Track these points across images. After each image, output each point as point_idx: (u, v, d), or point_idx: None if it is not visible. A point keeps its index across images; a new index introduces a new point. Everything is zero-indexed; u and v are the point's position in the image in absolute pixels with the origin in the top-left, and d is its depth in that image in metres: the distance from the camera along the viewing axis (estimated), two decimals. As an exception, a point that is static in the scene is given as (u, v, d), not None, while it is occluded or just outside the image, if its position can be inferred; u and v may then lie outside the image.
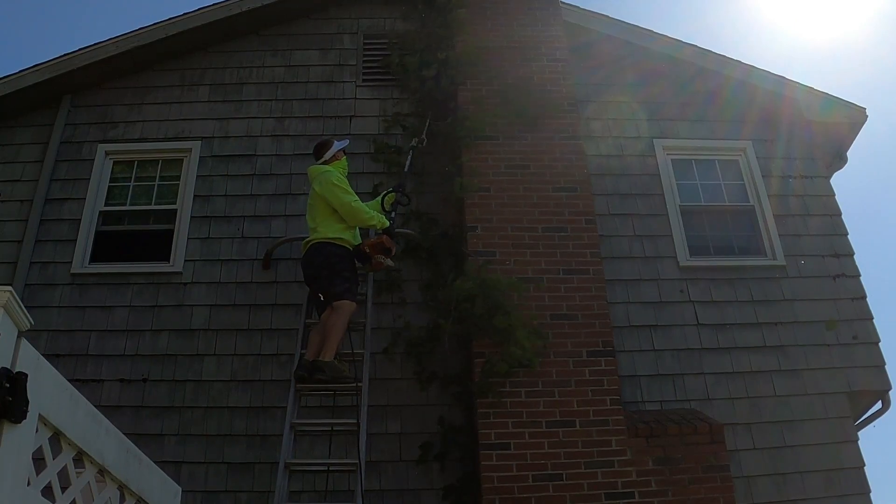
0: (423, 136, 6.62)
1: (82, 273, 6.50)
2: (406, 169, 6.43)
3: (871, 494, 5.88)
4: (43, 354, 2.38)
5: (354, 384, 5.25)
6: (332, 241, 5.50)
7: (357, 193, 6.71)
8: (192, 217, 6.73)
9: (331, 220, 5.57)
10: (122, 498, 2.95)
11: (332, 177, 5.64)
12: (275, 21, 7.68)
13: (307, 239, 5.67)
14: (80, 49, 7.25)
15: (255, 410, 5.90)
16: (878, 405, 6.47)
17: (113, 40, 7.28)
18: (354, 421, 5.07)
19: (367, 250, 5.59)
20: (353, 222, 5.64)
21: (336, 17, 7.79)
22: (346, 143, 6.10)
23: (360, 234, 5.86)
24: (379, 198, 6.11)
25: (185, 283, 6.45)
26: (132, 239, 6.91)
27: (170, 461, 5.44)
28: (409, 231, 6.50)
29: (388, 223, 5.67)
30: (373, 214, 5.64)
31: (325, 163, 5.85)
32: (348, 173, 5.99)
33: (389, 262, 5.66)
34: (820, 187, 7.28)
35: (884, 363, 6.42)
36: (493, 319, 5.48)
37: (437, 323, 5.92)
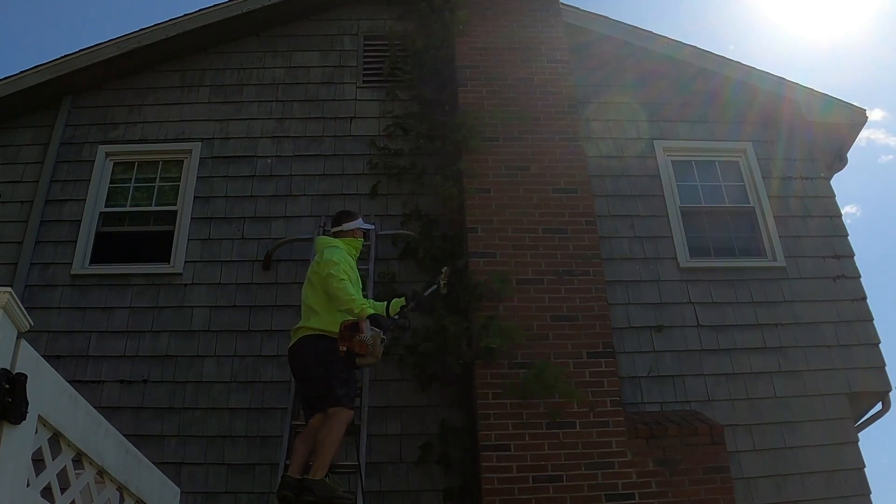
0: (444, 279, 5.51)
1: (82, 274, 6.50)
2: (424, 293, 5.34)
3: (872, 495, 5.89)
4: (43, 355, 2.39)
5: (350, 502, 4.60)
6: (327, 334, 4.74)
7: (356, 195, 6.78)
8: (192, 218, 6.73)
9: (331, 308, 4.82)
10: (122, 499, 2.96)
11: (335, 256, 4.93)
12: (275, 22, 7.69)
13: (298, 325, 4.97)
14: (80, 50, 7.26)
15: (256, 412, 5.90)
16: (879, 406, 6.48)
17: (113, 41, 7.29)
18: (355, 423, 5.05)
19: (344, 348, 4.61)
20: (336, 303, 4.80)
21: (336, 18, 7.80)
22: (371, 226, 5.49)
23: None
24: (384, 303, 5.22)
25: (186, 285, 6.45)
26: (132, 240, 6.92)
27: (170, 462, 5.44)
28: (408, 232, 6.50)
29: (368, 311, 4.68)
30: (353, 297, 4.72)
31: (339, 233, 5.24)
32: (359, 256, 5.37)
33: (363, 338, 4.52)
34: (820, 188, 7.28)
35: (884, 364, 6.42)
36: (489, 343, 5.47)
37: (437, 325, 5.91)
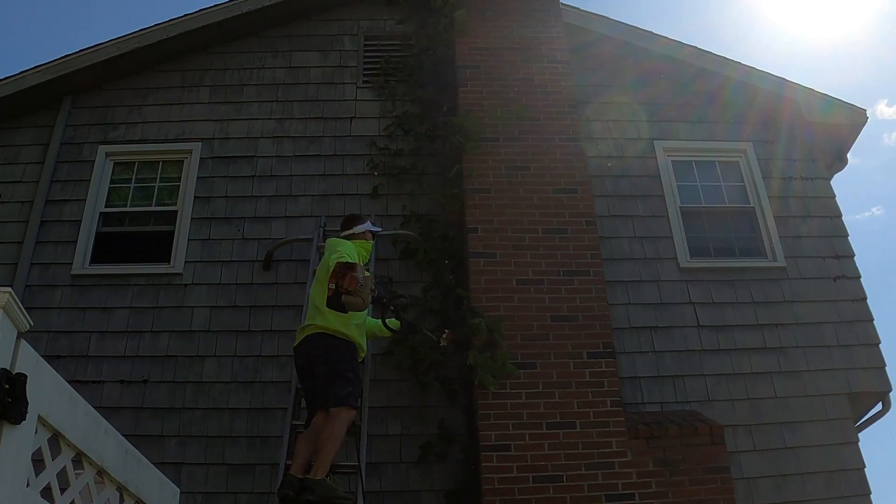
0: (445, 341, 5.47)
1: (83, 274, 6.50)
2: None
3: (872, 496, 5.88)
4: (43, 356, 2.39)
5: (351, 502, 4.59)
6: (332, 333, 4.74)
7: (356, 195, 6.78)
8: (192, 218, 6.73)
9: None
10: (121, 499, 2.96)
11: (344, 249, 4.86)
12: (275, 22, 7.69)
13: (304, 324, 4.96)
14: (80, 50, 7.26)
15: (256, 412, 5.89)
16: (879, 407, 6.48)
17: (114, 41, 7.29)
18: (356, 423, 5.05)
19: (332, 286, 4.49)
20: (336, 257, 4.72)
21: (337, 18, 7.80)
22: (378, 229, 5.47)
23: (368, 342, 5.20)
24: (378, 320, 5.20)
25: (186, 285, 6.45)
26: (132, 240, 6.91)
27: (170, 462, 5.44)
28: (408, 233, 6.50)
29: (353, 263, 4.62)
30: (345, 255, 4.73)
31: (350, 237, 5.22)
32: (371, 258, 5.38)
33: (356, 276, 4.44)
34: (820, 189, 7.28)
35: (884, 365, 6.42)
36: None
37: (437, 325, 5.91)
